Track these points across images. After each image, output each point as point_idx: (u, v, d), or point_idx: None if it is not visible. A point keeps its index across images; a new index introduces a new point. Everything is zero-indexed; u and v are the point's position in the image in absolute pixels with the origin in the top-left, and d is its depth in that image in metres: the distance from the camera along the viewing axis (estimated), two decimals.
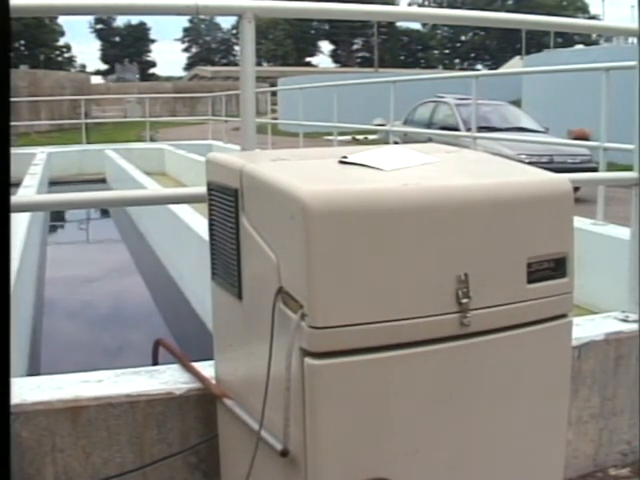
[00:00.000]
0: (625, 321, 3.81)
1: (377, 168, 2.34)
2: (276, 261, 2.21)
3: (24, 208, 3.84)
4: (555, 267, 2.38)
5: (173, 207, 10.59)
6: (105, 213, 19.51)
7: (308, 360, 2.09)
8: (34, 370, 7.11)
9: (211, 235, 2.68)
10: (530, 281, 2.33)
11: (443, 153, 2.73)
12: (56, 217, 18.16)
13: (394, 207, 2.13)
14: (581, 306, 6.14)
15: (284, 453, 2.21)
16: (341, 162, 2.42)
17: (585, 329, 3.68)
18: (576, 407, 3.51)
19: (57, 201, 3.46)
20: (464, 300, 2.19)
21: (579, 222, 7.29)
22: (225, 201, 2.51)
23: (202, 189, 2.85)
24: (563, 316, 2.44)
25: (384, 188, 2.20)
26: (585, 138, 15.44)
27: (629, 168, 4.04)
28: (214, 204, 2.63)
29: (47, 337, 8.94)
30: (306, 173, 2.36)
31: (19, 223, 9.76)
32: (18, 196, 8.19)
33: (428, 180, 2.32)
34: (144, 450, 2.94)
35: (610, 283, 5.85)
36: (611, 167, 8.19)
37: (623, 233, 6.57)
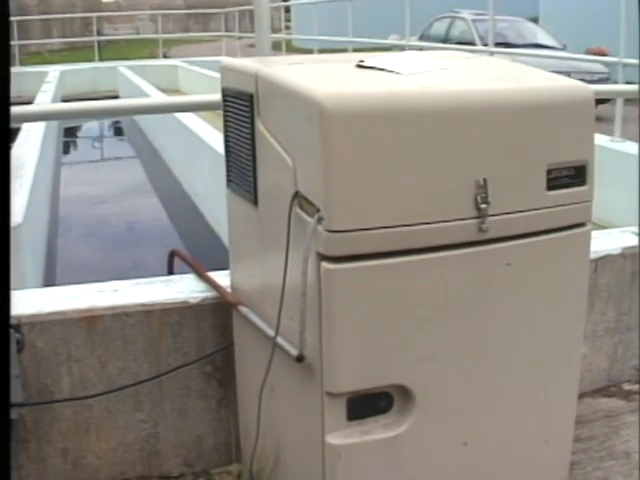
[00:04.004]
0: None
1: (395, 72, 2.29)
2: (292, 165, 2.18)
3: (39, 117, 3.82)
4: (575, 174, 2.34)
5: (187, 122, 10.54)
6: (118, 131, 19.45)
7: (325, 264, 2.08)
8: (49, 284, 7.13)
9: (226, 142, 2.64)
10: (550, 188, 2.29)
11: (463, 59, 2.68)
12: (69, 135, 18.11)
13: (412, 110, 2.09)
14: (598, 223, 6.10)
15: (300, 359, 2.20)
16: (358, 66, 2.37)
17: (602, 243, 3.65)
18: (591, 321, 3.50)
19: (71, 110, 3.43)
20: (482, 205, 2.16)
21: (597, 139, 7.21)
22: (240, 106, 2.48)
23: (217, 96, 2.81)
24: (582, 225, 2.41)
25: (402, 91, 2.16)
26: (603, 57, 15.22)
27: None
28: (229, 110, 2.59)
29: (62, 253, 8.96)
30: (323, 76, 2.32)
31: (32, 141, 9.74)
32: (33, 105, 8.16)
33: (447, 84, 2.28)
34: (159, 359, 2.95)
35: (627, 199, 5.81)
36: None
37: None
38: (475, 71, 2.57)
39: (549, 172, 2.28)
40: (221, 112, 2.69)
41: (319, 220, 2.06)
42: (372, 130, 2.04)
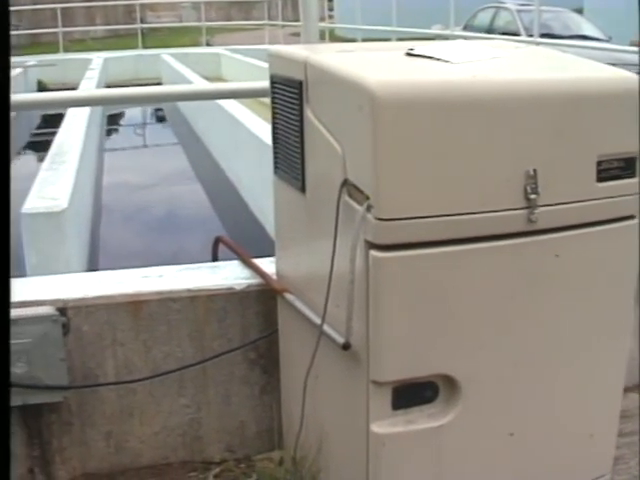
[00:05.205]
0: None
1: (445, 61, 2.28)
2: (342, 153, 2.17)
3: (84, 102, 3.84)
4: (625, 166, 2.32)
5: (230, 110, 10.55)
6: (161, 118, 19.50)
7: (373, 252, 2.07)
8: (92, 269, 7.16)
9: (274, 129, 2.64)
10: (600, 179, 2.27)
11: (512, 49, 2.66)
12: (112, 122, 18.19)
13: (463, 99, 2.08)
14: None
15: (346, 347, 2.20)
16: (408, 54, 2.36)
17: None
18: (637, 315, 3.45)
19: (116, 95, 3.45)
20: (532, 196, 2.14)
21: None
22: (289, 94, 2.47)
23: (262, 83, 2.82)
24: (631, 217, 2.38)
25: (453, 79, 2.14)
26: None
27: None
28: (277, 97, 2.59)
29: (105, 240, 9.00)
30: (373, 64, 2.31)
31: (77, 127, 9.80)
32: (78, 91, 8.21)
33: (498, 73, 2.27)
34: (204, 345, 2.96)
35: None
36: None
37: None
38: (525, 61, 2.55)
39: (599, 163, 2.26)
40: (263, 99, 2.69)
41: (368, 208, 2.05)
42: (423, 118, 2.03)
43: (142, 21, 29.02)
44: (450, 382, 2.23)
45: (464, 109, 2.07)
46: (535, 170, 2.14)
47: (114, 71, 20.22)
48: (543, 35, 12.38)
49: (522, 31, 15.76)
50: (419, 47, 2.40)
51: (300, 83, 2.39)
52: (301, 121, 2.41)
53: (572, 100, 2.21)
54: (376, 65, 2.29)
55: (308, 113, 2.36)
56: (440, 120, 2.05)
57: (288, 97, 2.49)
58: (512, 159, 2.13)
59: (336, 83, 2.20)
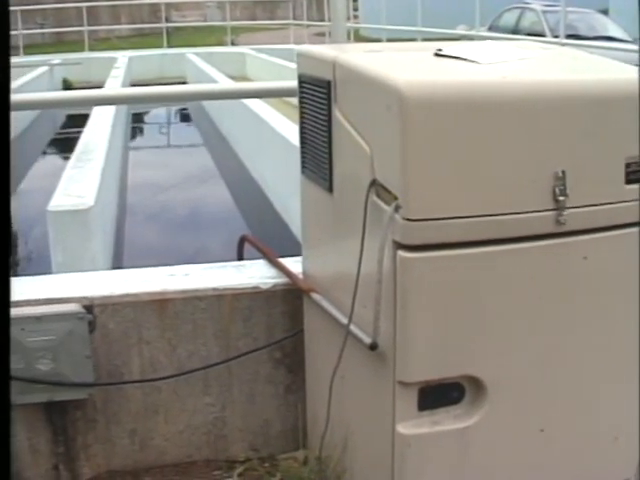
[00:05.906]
0: None
1: (474, 61, 2.28)
2: (370, 153, 2.17)
3: (110, 101, 3.85)
4: None
5: (256, 109, 10.55)
6: (185, 117, 19.52)
7: (401, 253, 2.07)
8: (117, 267, 7.18)
9: (301, 128, 2.65)
10: (628, 182, 2.25)
11: (540, 50, 2.65)
12: (137, 121, 18.24)
13: (493, 99, 2.07)
14: None
15: (373, 347, 2.20)
16: (437, 55, 2.36)
17: None
18: None
19: (141, 94, 3.45)
20: (560, 197, 2.13)
21: None
22: (317, 93, 2.48)
23: (289, 83, 2.81)
24: None
25: (483, 80, 2.14)
26: None
27: None
28: (305, 97, 2.59)
29: (130, 238, 9.02)
30: (402, 64, 2.31)
31: (102, 126, 9.84)
32: (104, 89, 8.25)
33: (527, 74, 2.26)
34: (229, 344, 2.97)
35: None
36: None
37: None
38: (553, 62, 2.54)
39: (627, 165, 2.25)
40: (287, 99, 2.69)
41: (396, 208, 2.05)
42: (452, 119, 2.03)
43: (167, 20, 29.12)
44: (476, 383, 2.22)
45: (493, 110, 2.07)
46: (564, 172, 2.13)
47: (139, 70, 20.31)
48: (569, 36, 12.33)
49: (548, 32, 15.70)
50: (447, 47, 2.39)
51: (328, 83, 2.39)
52: (329, 121, 2.41)
53: (600, 102, 2.20)
54: (405, 65, 2.29)
55: (336, 113, 2.36)
56: (469, 120, 2.04)
57: (316, 97, 2.49)
58: (540, 160, 2.13)
59: (365, 83, 2.20)
